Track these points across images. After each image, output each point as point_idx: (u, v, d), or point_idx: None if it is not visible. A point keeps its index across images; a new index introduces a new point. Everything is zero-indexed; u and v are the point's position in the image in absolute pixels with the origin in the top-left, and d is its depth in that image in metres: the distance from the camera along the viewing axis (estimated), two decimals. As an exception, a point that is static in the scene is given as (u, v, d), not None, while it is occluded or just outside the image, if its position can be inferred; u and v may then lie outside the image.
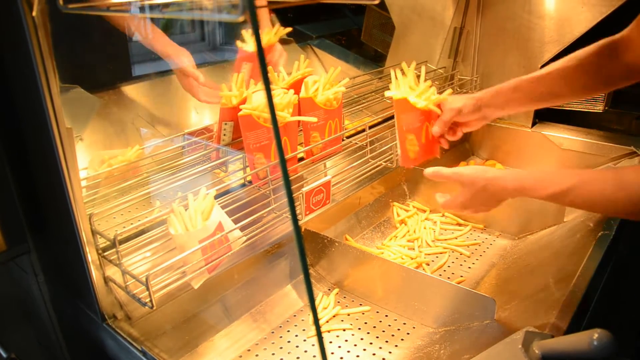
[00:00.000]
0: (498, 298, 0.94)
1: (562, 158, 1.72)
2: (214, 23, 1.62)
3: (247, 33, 1.24)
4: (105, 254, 0.88)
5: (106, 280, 0.88)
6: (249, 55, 1.21)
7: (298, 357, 0.98)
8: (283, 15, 1.70)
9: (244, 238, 0.95)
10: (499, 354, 0.72)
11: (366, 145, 1.28)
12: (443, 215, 1.51)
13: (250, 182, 1.07)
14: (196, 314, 1.00)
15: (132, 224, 0.91)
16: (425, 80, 1.16)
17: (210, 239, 0.86)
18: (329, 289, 1.18)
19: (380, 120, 1.55)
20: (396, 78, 1.14)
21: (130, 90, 1.31)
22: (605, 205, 0.82)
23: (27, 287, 1.03)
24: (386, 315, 1.09)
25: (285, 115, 1.06)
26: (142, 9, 0.80)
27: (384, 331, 1.05)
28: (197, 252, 0.85)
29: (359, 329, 1.06)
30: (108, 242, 0.85)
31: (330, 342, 1.03)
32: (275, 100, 1.06)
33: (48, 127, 0.73)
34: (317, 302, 1.12)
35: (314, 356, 0.98)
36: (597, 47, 1.03)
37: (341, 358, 0.98)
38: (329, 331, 1.05)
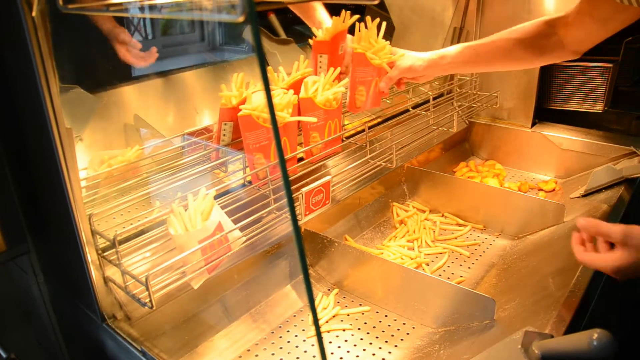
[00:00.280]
0: (498, 298, 0.94)
1: (562, 158, 1.72)
2: (213, 23, 1.62)
3: (313, 27, 1.31)
4: (105, 254, 0.88)
5: (106, 280, 0.88)
6: (324, 46, 1.22)
7: (298, 357, 0.98)
8: (283, 15, 1.70)
9: (244, 238, 0.95)
10: (499, 354, 0.73)
11: (366, 145, 1.28)
12: (443, 216, 1.51)
13: (250, 182, 1.07)
14: (196, 314, 1.00)
15: (131, 224, 0.91)
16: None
17: (210, 239, 0.86)
18: (329, 289, 1.18)
19: (380, 120, 1.55)
20: (359, 31, 1.24)
21: (130, 90, 1.31)
22: None
23: (26, 287, 1.03)
24: (386, 316, 1.10)
25: (284, 116, 1.06)
26: (142, 9, 0.80)
27: (383, 331, 1.05)
28: (196, 253, 0.85)
29: (359, 329, 1.06)
30: (108, 243, 0.85)
31: (330, 342, 1.03)
32: (275, 100, 1.06)
33: (48, 127, 0.73)
34: (316, 303, 1.12)
35: (314, 356, 0.98)
36: (538, 23, 1.14)
37: (341, 358, 0.98)
38: (328, 331, 1.05)
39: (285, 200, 0.98)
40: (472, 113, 1.86)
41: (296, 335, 1.04)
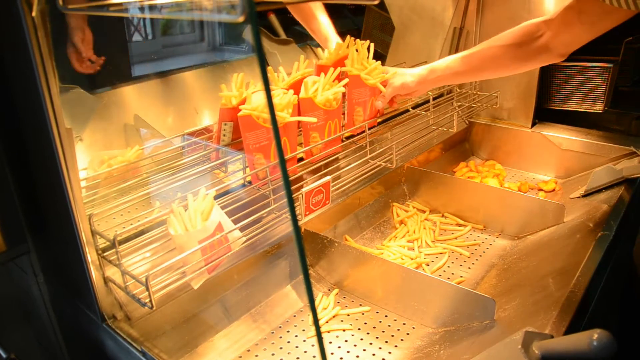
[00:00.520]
0: (498, 298, 0.94)
1: (561, 158, 1.72)
2: (213, 23, 1.62)
3: (319, 41, 1.39)
4: (105, 254, 0.88)
5: (106, 280, 0.88)
6: (326, 70, 1.20)
7: (298, 358, 0.98)
8: (283, 15, 1.70)
9: (244, 238, 0.95)
10: (499, 354, 0.72)
11: (366, 145, 1.28)
12: (443, 216, 1.51)
13: (250, 182, 1.07)
14: (196, 314, 1.00)
15: (131, 224, 0.91)
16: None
17: (210, 239, 0.86)
18: (329, 290, 1.18)
19: (379, 120, 1.55)
20: (352, 55, 1.27)
21: (130, 90, 1.31)
22: None
23: (26, 287, 1.03)
24: (386, 316, 1.10)
25: (284, 116, 1.06)
26: (141, 9, 0.80)
27: (383, 331, 1.05)
28: (196, 253, 0.85)
29: (359, 329, 1.06)
30: (108, 243, 0.85)
31: (330, 343, 1.03)
32: (275, 100, 1.06)
33: (48, 127, 0.73)
34: (316, 303, 1.12)
35: (314, 356, 0.98)
36: (523, 28, 1.15)
37: (341, 358, 0.98)
38: (328, 331, 1.05)
39: (285, 201, 0.98)
40: (472, 113, 1.86)
41: (296, 336, 1.04)
